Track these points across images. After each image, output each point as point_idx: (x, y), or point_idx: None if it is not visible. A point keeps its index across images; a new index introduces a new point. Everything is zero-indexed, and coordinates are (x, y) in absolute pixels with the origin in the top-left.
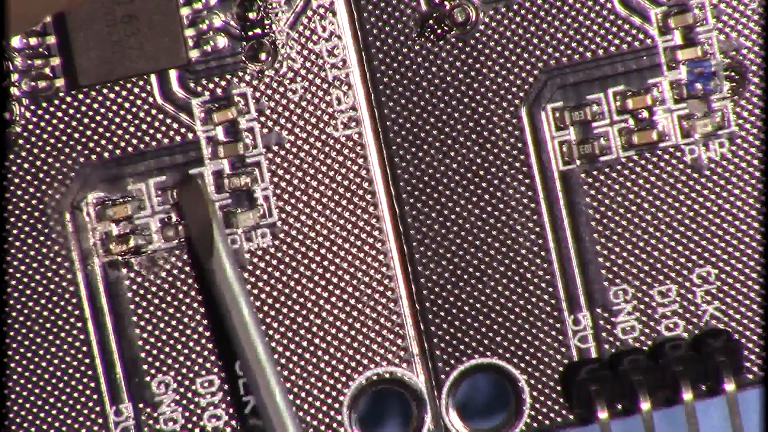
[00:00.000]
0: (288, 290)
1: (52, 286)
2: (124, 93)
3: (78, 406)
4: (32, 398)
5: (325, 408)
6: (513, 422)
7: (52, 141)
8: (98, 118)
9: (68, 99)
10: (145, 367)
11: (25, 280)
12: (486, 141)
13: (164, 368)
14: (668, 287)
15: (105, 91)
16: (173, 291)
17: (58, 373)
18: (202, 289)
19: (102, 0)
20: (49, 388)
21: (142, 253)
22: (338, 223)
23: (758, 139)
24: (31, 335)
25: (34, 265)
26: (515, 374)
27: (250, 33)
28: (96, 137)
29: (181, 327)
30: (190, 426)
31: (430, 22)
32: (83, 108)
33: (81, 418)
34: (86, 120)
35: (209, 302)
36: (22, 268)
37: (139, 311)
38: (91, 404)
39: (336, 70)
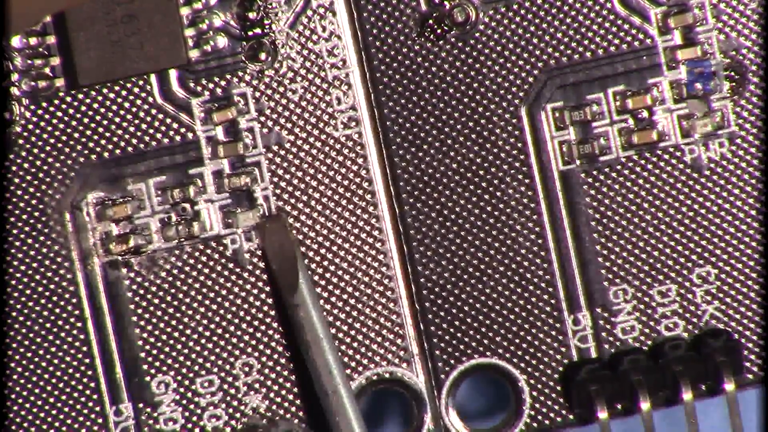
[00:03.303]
0: None
1: (52, 286)
2: (124, 93)
3: (78, 406)
4: (32, 398)
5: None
6: (513, 422)
7: (52, 141)
8: (98, 118)
9: (68, 99)
10: (145, 367)
11: (25, 280)
12: (486, 141)
13: (164, 368)
14: (668, 287)
15: (105, 91)
16: (173, 291)
17: (58, 373)
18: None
19: (102, 0)
20: (49, 388)
21: (142, 253)
22: (338, 223)
23: (758, 139)
24: (31, 335)
25: (34, 265)
26: (515, 374)
27: (250, 33)
28: (96, 137)
29: (181, 327)
30: (190, 426)
31: (430, 22)
32: (83, 108)
33: (81, 418)
34: (86, 120)
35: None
36: (22, 268)
37: (139, 311)
38: (91, 404)
39: (336, 70)
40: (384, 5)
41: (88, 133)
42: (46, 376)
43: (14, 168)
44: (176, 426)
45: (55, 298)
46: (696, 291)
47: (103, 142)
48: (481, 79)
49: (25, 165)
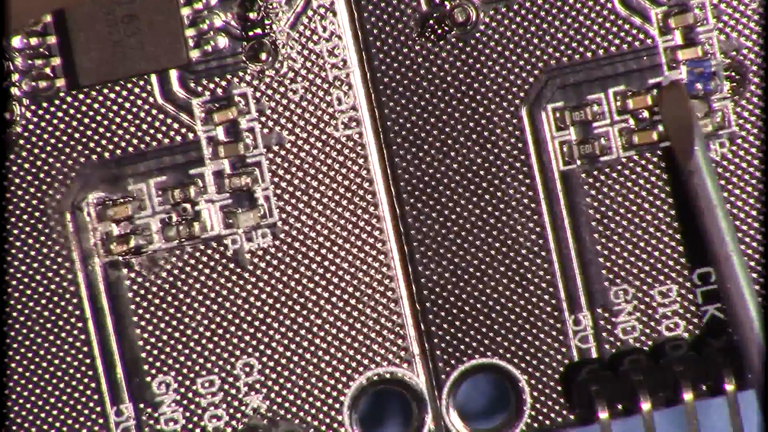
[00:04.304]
0: (288, 290)
1: (52, 287)
2: (124, 93)
3: (78, 407)
4: (32, 398)
5: (325, 408)
6: (513, 422)
7: (53, 141)
8: (99, 118)
9: (69, 99)
10: (146, 367)
11: (26, 280)
12: (486, 141)
13: (165, 368)
14: (669, 287)
15: (105, 91)
16: (174, 291)
17: (59, 373)
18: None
19: (103, 0)
20: (49, 388)
21: (142, 253)
22: (339, 223)
23: (758, 140)
24: (31, 335)
25: (35, 265)
26: (516, 374)
27: (251, 33)
28: (96, 137)
29: (181, 327)
30: (190, 426)
31: (431, 22)
32: (84, 108)
33: (81, 419)
34: (87, 120)
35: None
36: (23, 268)
37: (140, 311)
38: (91, 404)
39: (336, 70)
40: (384, 5)
41: (89, 133)
42: (47, 376)
43: (15, 168)
44: (177, 426)
45: (55, 299)
46: (696, 291)
47: (103, 142)
48: (482, 80)
49: (26, 165)
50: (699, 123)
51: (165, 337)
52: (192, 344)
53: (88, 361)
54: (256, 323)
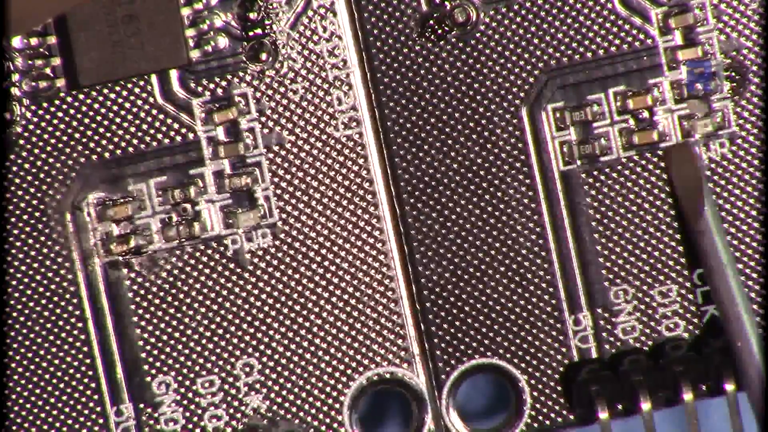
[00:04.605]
0: (288, 290)
1: (52, 287)
2: (124, 93)
3: (78, 407)
4: (32, 398)
5: (325, 408)
6: (513, 422)
7: (53, 141)
8: (99, 118)
9: (69, 99)
10: (146, 367)
11: (26, 280)
12: (486, 141)
13: (165, 368)
14: (668, 287)
15: (105, 91)
16: (174, 291)
17: (59, 373)
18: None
19: (103, 0)
20: (49, 388)
21: (142, 253)
22: (339, 223)
23: (758, 140)
24: (31, 335)
25: (35, 265)
26: (516, 374)
27: (251, 33)
28: (96, 137)
29: (181, 327)
30: (190, 426)
31: (431, 22)
32: (84, 108)
33: (81, 419)
34: (87, 120)
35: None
36: (23, 268)
37: (140, 311)
38: (91, 404)
39: (336, 71)
40: (385, 5)
41: (89, 133)
42: (47, 376)
43: (15, 168)
44: (177, 426)
45: (55, 299)
46: (696, 291)
47: (103, 142)
48: (482, 80)
49: (26, 165)
50: (707, 183)
51: (165, 337)
52: (192, 344)
53: (88, 361)
54: (256, 323)
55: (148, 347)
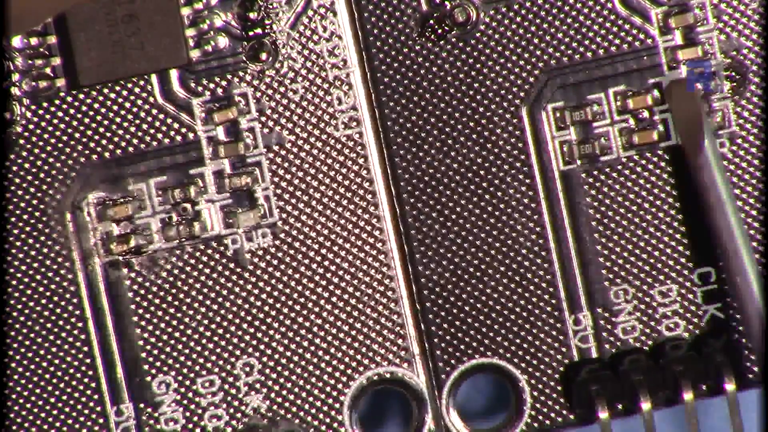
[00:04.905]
0: (288, 290)
1: (52, 286)
2: (124, 93)
3: (79, 406)
4: (32, 398)
5: (325, 408)
6: (513, 422)
7: (53, 141)
8: (99, 118)
9: (69, 99)
10: (146, 367)
11: (26, 280)
12: (486, 141)
13: (165, 368)
14: (668, 287)
15: (106, 91)
16: (174, 291)
17: (59, 373)
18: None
19: (103, 0)
20: (49, 388)
21: (142, 253)
22: (339, 223)
23: (758, 139)
24: (31, 335)
25: (35, 265)
26: (516, 374)
27: (251, 33)
28: (97, 137)
29: (181, 327)
30: (190, 426)
31: (431, 22)
32: (84, 108)
33: (82, 418)
34: (87, 120)
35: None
36: (23, 268)
37: (140, 311)
38: (91, 404)
39: (336, 70)
40: (385, 5)
41: (89, 133)
42: (47, 376)
43: (15, 168)
44: (177, 426)
45: (55, 298)
46: (696, 291)
47: (103, 142)
48: (482, 80)
49: (26, 165)
50: (708, 118)
51: (165, 337)
52: (192, 344)
53: (88, 361)
54: (256, 323)
55: (148, 347)
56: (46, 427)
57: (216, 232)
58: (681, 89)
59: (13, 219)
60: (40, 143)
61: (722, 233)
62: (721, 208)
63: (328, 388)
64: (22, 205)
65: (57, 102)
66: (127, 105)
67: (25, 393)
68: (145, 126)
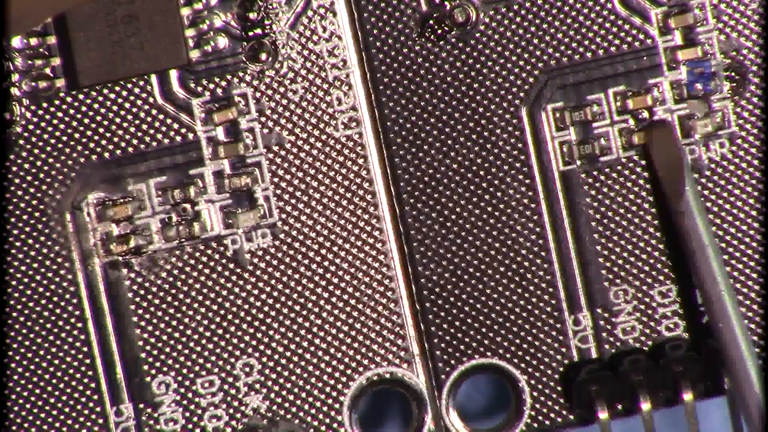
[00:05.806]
0: (288, 290)
1: (52, 287)
2: (124, 93)
3: (78, 407)
4: (32, 398)
5: (325, 408)
6: (513, 422)
7: (53, 141)
8: (99, 118)
9: (69, 99)
10: (146, 367)
11: (26, 280)
12: (486, 141)
13: (164, 368)
14: (668, 287)
15: (105, 91)
16: (173, 291)
17: (58, 373)
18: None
19: (103, 0)
20: (49, 388)
21: (142, 253)
22: (338, 223)
23: (758, 140)
24: (31, 335)
25: (35, 265)
26: (515, 374)
27: (251, 33)
28: (96, 137)
29: (181, 327)
30: (190, 426)
31: (431, 22)
32: (84, 108)
33: (81, 419)
34: (87, 120)
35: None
36: (23, 268)
37: (140, 311)
38: (91, 404)
39: (336, 71)
40: (384, 5)
41: (89, 133)
42: (47, 376)
43: (14, 168)
44: (177, 426)
45: (55, 299)
46: (696, 291)
47: (103, 142)
48: (482, 80)
49: (26, 165)
50: (689, 163)
51: (165, 337)
52: (192, 344)
53: (87, 361)
54: (256, 323)
55: (148, 347)
56: (45, 427)
57: (216, 232)
58: (663, 135)
59: (13, 219)
60: (40, 143)
61: (705, 279)
62: (703, 254)
63: (327, 389)
64: (22, 205)
65: (57, 102)
66: (127, 105)
67: (25, 393)
68: (144, 126)
